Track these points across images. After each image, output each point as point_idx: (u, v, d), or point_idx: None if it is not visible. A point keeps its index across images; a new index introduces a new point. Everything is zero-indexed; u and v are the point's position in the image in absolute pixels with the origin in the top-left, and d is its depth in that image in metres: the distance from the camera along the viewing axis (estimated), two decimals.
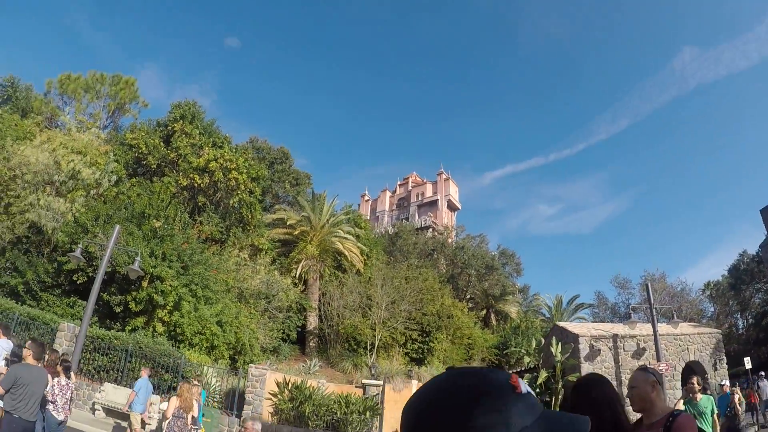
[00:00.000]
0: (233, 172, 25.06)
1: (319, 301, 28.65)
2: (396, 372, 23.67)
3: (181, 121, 26.78)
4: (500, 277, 43.40)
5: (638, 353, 19.46)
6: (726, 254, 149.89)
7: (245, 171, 25.73)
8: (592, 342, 18.81)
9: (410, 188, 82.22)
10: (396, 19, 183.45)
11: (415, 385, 23.86)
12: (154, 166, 26.24)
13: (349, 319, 26.13)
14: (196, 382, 11.05)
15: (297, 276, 28.19)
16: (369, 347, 26.07)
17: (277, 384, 15.58)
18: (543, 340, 23.14)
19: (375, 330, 25.71)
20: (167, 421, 9.14)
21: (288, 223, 29.02)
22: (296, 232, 28.88)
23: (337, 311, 26.76)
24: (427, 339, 28.95)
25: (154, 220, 19.35)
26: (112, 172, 23.60)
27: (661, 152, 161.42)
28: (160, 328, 18.24)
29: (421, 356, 28.79)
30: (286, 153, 37.32)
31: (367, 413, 15.43)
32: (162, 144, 26.41)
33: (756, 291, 48.17)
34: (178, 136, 26.13)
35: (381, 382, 19.09)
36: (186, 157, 25.07)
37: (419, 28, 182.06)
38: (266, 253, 26.94)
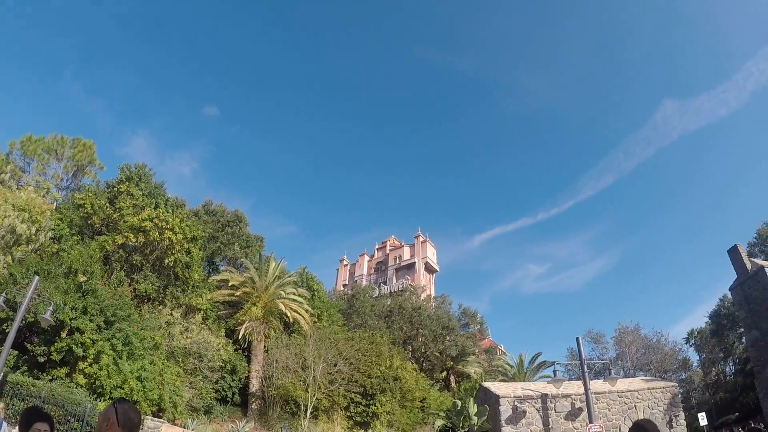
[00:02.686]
0: (167, 232, 25.99)
1: (264, 363, 28.72)
2: None
3: (127, 183, 27.83)
4: (457, 338, 43.72)
5: (573, 414, 18.26)
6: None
7: (180, 231, 26.80)
8: (516, 403, 17.87)
9: (388, 252, 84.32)
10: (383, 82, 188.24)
11: None
12: (98, 225, 27.20)
13: (281, 380, 26.30)
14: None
15: (240, 337, 28.57)
16: (306, 410, 26.33)
17: None
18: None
19: (308, 392, 25.75)
20: None
21: (231, 284, 29.54)
22: (238, 293, 29.41)
23: (275, 372, 27.01)
24: (371, 402, 29.24)
25: (80, 275, 19.96)
26: (52, 229, 24.28)
27: (647, 205, 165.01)
28: (81, 380, 19.06)
29: (366, 419, 29.05)
30: (240, 216, 38.60)
31: None
32: (107, 204, 27.38)
33: (739, 336, 47.62)
34: (123, 197, 27.05)
35: None
36: (125, 217, 25.89)
37: (406, 96, 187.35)
38: (202, 312, 27.39)
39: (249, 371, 29.20)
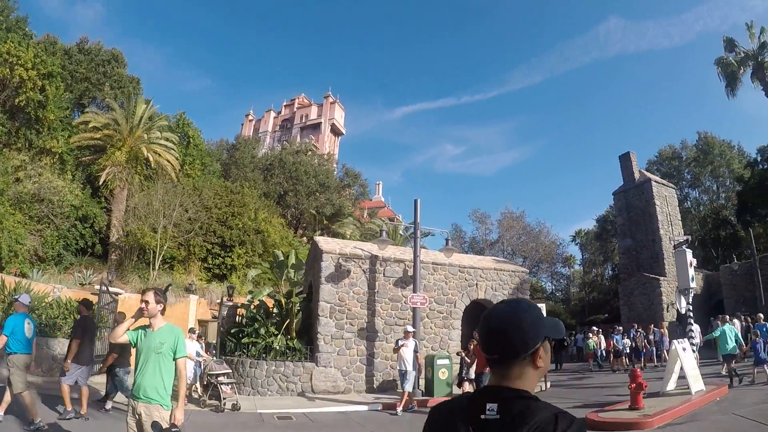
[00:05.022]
0: (18, 68, 24.15)
1: (124, 212, 27.97)
2: (174, 284, 24.26)
3: None
4: (334, 197, 43.63)
5: (404, 281, 17.33)
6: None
7: (32, 67, 24.87)
8: (341, 261, 16.51)
9: (295, 110, 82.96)
10: None
11: (193, 300, 23.33)
12: None
13: (130, 227, 25.09)
14: None
15: (102, 184, 27.55)
16: (160, 260, 26.42)
17: None
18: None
19: (160, 240, 25.13)
20: None
21: (92, 126, 27.02)
22: (99, 136, 27.18)
23: (132, 220, 26.23)
24: (230, 254, 29.42)
25: None
26: None
27: (569, 110, 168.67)
28: None
29: (224, 272, 29.36)
30: (117, 56, 35.80)
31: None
32: None
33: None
34: None
35: (120, 291, 18.51)
36: None
37: None
38: (57, 156, 25.48)
39: (110, 220, 28.38)
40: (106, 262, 27.70)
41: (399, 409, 12.55)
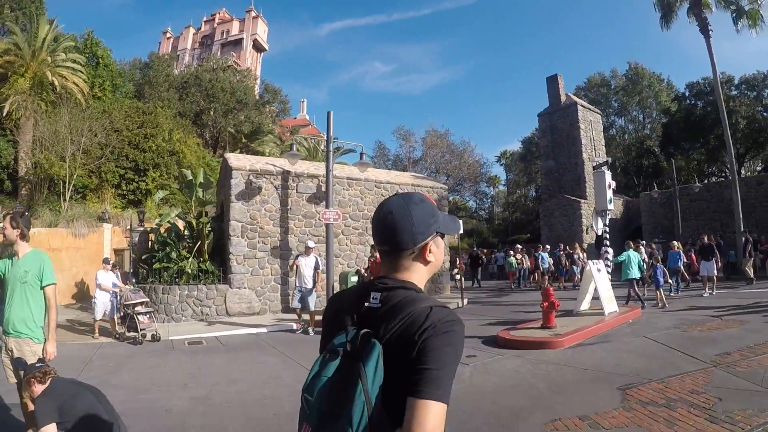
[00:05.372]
0: None
1: (32, 143, 26.51)
2: (83, 215, 23.32)
3: None
4: (252, 114, 42.49)
5: (318, 197, 16.66)
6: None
7: None
8: (252, 177, 15.96)
9: (216, 25, 79.49)
10: None
11: (107, 229, 22.35)
12: None
13: (38, 158, 23.81)
14: None
15: (5, 115, 26.02)
16: (71, 190, 25.20)
17: None
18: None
19: (70, 169, 23.69)
20: None
21: None
22: (0, 62, 24.94)
23: (39, 151, 24.56)
24: (144, 178, 28.42)
25: None
26: None
27: (503, 32, 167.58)
28: None
29: (139, 198, 28.32)
30: None
31: None
32: None
33: None
34: None
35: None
36: None
37: None
38: None
39: (17, 153, 26.75)
40: (17, 198, 26.04)
41: (310, 328, 12.30)
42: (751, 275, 19.78)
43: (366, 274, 13.57)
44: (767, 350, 7.92)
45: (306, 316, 12.66)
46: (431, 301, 1.41)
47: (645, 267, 16.34)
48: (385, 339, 1.34)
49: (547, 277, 23.19)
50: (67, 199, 24.71)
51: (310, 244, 13.26)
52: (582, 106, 39.66)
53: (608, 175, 14.64)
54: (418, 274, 1.52)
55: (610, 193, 14.27)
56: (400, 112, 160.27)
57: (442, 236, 1.58)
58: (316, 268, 12.67)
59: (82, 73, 29.06)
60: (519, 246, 27.73)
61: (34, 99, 26.72)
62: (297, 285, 12.71)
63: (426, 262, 1.52)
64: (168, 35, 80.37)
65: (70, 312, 16.96)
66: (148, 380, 7.94)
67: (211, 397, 6.82)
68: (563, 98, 40.07)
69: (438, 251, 1.55)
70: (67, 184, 24.65)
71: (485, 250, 36.65)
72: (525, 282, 25.36)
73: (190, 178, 17.76)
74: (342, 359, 1.34)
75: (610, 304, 12.56)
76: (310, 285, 12.46)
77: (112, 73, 35.70)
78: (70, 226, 22.15)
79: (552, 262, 23.75)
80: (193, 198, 17.76)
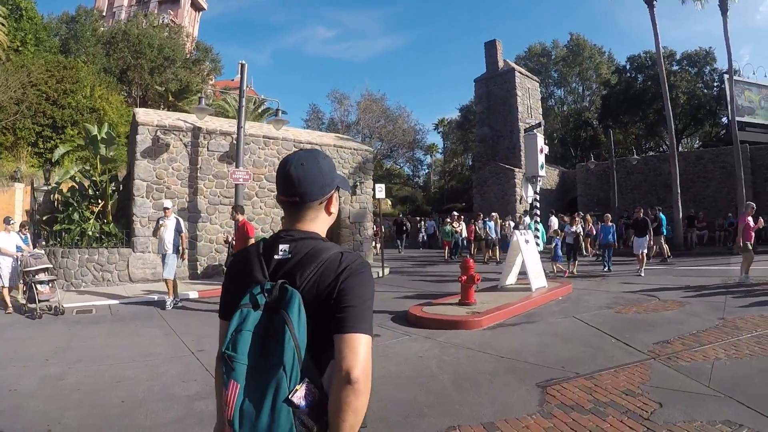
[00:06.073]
0: None
1: None
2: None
3: None
4: (180, 71, 40.78)
5: (230, 156, 16.06)
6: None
7: None
8: (159, 134, 14.76)
9: None
10: None
11: (18, 189, 20.98)
12: None
13: None
14: None
15: None
16: None
17: None
18: None
19: None
20: None
21: None
22: None
23: None
24: (62, 136, 26.90)
25: None
26: None
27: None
28: None
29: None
30: None
31: None
32: None
33: None
34: None
35: None
36: None
37: None
38: None
39: None
40: None
41: (169, 299, 11.06)
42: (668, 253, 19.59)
43: (232, 242, 12.66)
44: (712, 339, 7.14)
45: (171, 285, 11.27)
46: (340, 247, 1.50)
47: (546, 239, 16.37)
48: (302, 287, 1.39)
49: (496, 248, 21.44)
50: None
51: (168, 204, 11.75)
52: (520, 72, 39.26)
53: (540, 138, 13.61)
54: (322, 225, 1.61)
55: (541, 158, 13.20)
56: (343, 79, 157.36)
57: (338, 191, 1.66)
58: (178, 230, 11.27)
59: (3, 26, 27.21)
60: (456, 214, 25.24)
61: None
62: (158, 251, 11.52)
63: (329, 213, 1.63)
64: None
65: None
66: (10, 354, 7.19)
67: (65, 376, 6.13)
68: (501, 64, 39.51)
69: (337, 203, 1.66)
70: None
71: (416, 218, 36.60)
72: (464, 252, 22.53)
73: (95, 133, 16.57)
74: (264, 312, 1.37)
75: (538, 278, 11.61)
76: (170, 250, 11.08)
77: (36, 26, 33.76)
78: None
79: (500, 231, 21.85)
80: (99, 155, 16.68)
